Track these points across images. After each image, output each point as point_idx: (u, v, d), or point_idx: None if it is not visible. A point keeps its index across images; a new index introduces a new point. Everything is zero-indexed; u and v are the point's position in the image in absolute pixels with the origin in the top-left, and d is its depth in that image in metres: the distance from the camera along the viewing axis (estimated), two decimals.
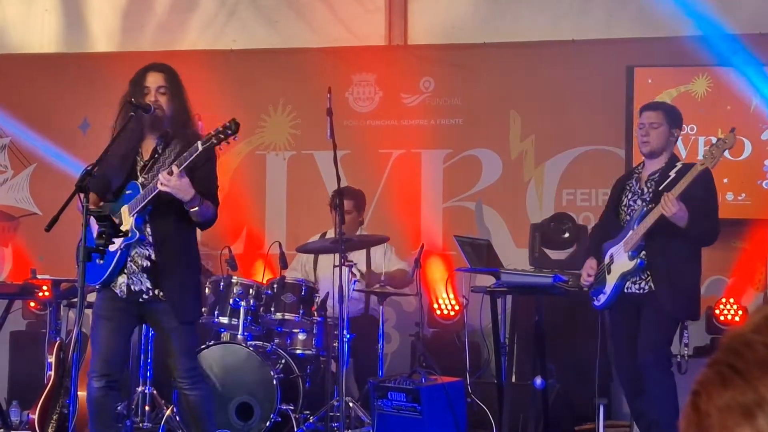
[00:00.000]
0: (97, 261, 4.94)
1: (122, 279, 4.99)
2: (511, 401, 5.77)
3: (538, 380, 5.68)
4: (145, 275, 4.97)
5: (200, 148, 4.74)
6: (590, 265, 5.65)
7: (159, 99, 4.96)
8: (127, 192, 4.99)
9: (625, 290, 5.51)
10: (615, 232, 5.61)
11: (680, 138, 7.57)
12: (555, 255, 7.39)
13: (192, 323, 5.12)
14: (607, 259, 5.57)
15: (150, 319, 5.10)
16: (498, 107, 8.26)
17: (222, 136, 4.72)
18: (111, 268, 4.95)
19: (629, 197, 5.61)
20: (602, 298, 5.57)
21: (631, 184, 5.70)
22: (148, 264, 4.97)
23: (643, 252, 5.44)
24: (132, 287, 4.98)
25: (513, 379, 6.52)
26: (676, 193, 5.26)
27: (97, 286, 5.06)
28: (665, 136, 5.55)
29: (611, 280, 5.51)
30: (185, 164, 4.77)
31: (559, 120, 8.08)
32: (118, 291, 5.00)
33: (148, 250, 4.97)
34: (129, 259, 4.98)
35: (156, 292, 4.96)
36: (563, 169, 8.10)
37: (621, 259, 5.48)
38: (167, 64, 5.16)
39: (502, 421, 5.76)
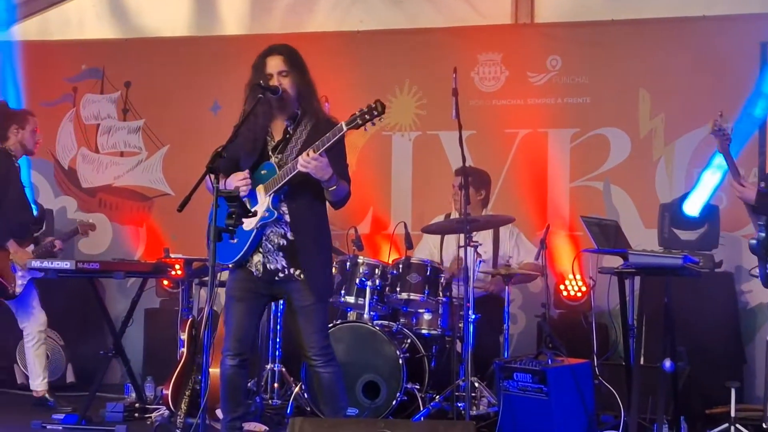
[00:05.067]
0: (231, 240, 5.04)
1: (258, 258, 5.08)
2: (639, 384, 5.68)
3: (668, 363, 5.58)
4: (281, 254, 5.05)
5: (345, 129, 4.77)
6: None
7: (282, 82, 5.02)
8: (263, 172, 5.07)
9: None
10: None
11: None
12: (685, 236, 7.25)
13: (326, 301, 5.19)
14: None
15: (284, 298, 5.17)
16: (626, 85, 8.13)
17: (368, 117, 4.73)
18: (246, 247, 5.04)
19: None
20: None
21: None
22: (284, 243, 5.05)
23: None
24: (268, 266, 5.07)
25: (641, 362, 6.42)
26: None
27: (230, 266, 5.16)
28: None
29: None
30: (328, 145, 4.81)
31: (690, 98, 7.91)
32: (253, 270, 5.09)
33: (283, 228, 5.05)
34: (264, 238, 5.06)
35: (292, 270, 5.04)
36: (694, 148, 7.93)
37: None
38: (285, 44, 5.19)
39: (631, 403, 5.68)
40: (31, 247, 7.18)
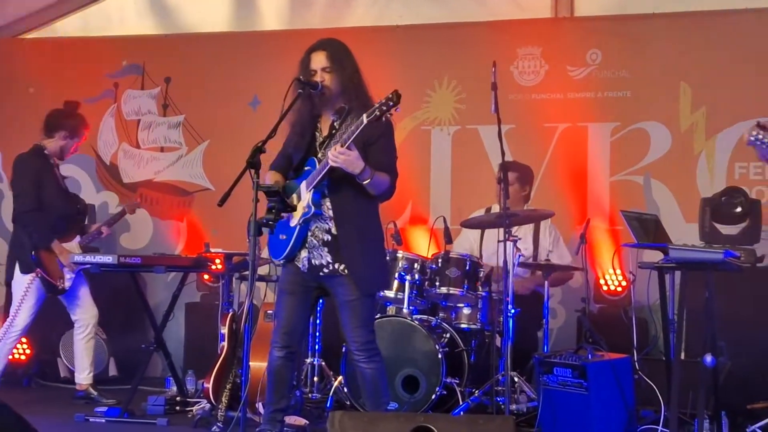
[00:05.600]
0: (280, 237, 5.09)
1: (304, 253, 5.13)
2: (680, 379, 5.65)
3: (708, 358, 5.54)
4: (325, 249, 5.08)
5: (365, 121, 4.79)
6: None
7: (325, 78, 5.05)
8: (306, 168, 5.12)
9: None
10: None
11: None
12: (726, 230, 7.18)
13: (372, 296, 5.20)
14: None
15: (330, 293, 5.20)
16: (667, 79, 8.08)
17: (384, 108, 4.75)
18: (291, 243, 5.09)
19: None
20: None
21: None
22: (329, 238, 5.08)
23: None
24: (313, 261, 5.11)
25: (682, 356, 6.38)
26: None
27: (281, 262, 5.20)
28: None
29: None
30: (351, 138, 4.84)
31: (732, 91, 7.85)
32: (300, 265, 5.14)
33: (328, 224, 5.08)
34: (310, 233, 5.10)
35: (336, 265, 5.06)
36: (735, 142, 7.86)
37: None
38: (332, 38, 5.23)
39: (671, 398, 5.65)
40: (78, 238, 7.24)
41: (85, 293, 7.25)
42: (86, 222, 7.65)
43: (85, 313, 7.23)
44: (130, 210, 7.67)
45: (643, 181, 8.10)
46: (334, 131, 5.11)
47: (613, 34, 8.27)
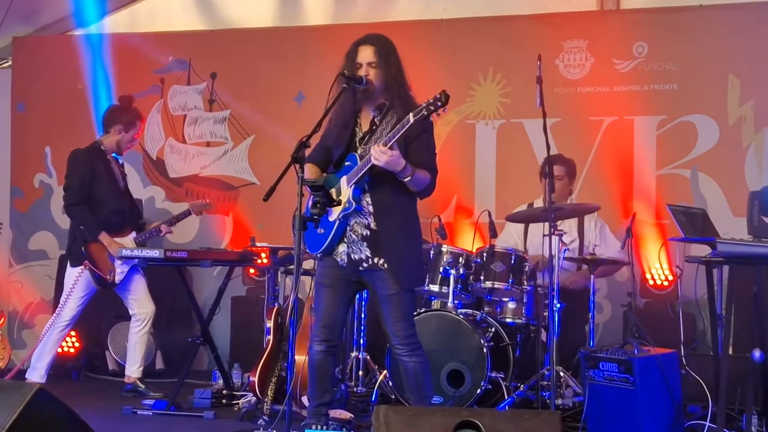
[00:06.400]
0: (318, 231, 5.11)
1: (343, 248, 5.14)
2: (728, 374, 5.59)
3: (757, 353, 5.48)
4: (365, 244, 5.09)
5: (411, 120, 4.78)
6: None
7: (370, 73, 5.05)
8: (347, 163, 5.12)
9: None
10: None
11: None
12: None
13: (412, 290, 5.20)
14: None
15: (370, 287, 5.21)
16: (715, 71, 8.01)
17: (432, 108, 4.73)
18: (330, 237, 5.10)
19: None
20: None
21: None
22: (368, 233, 5.09)
23: None
24: (352, 256, 5.12)
25: (730, 352, 6.32)
26: None
27: (318, 255, 5.22)
28: None
29: None
30: (397, 137, 4.83)
31: None
32: (339, 260, 5.15)
33: (367, 219, 5.09)
34: (349, 228, 5.11)
35: (376, 260, 5.07)
36: None
37: None
38: (380, 34, 5.22)
39: (719, 394, 5.60)
40: (133, 234, 7.30)
41: (141, 288, 7.30)
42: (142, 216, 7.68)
43: (141, 308, 7.29)
44: (196, 211, 7.62)
45: (690, 174, 8.04)
46: (374, 127, 5.11)
47: (659, 26, 8.20)
